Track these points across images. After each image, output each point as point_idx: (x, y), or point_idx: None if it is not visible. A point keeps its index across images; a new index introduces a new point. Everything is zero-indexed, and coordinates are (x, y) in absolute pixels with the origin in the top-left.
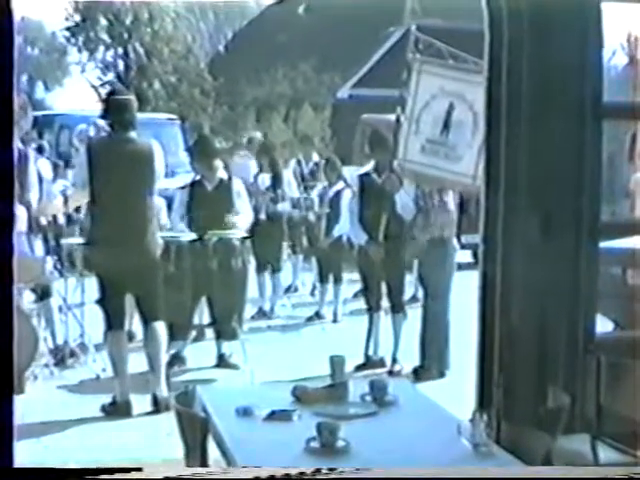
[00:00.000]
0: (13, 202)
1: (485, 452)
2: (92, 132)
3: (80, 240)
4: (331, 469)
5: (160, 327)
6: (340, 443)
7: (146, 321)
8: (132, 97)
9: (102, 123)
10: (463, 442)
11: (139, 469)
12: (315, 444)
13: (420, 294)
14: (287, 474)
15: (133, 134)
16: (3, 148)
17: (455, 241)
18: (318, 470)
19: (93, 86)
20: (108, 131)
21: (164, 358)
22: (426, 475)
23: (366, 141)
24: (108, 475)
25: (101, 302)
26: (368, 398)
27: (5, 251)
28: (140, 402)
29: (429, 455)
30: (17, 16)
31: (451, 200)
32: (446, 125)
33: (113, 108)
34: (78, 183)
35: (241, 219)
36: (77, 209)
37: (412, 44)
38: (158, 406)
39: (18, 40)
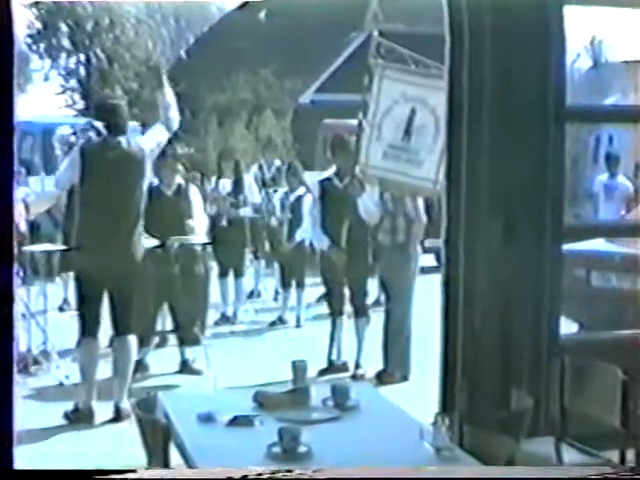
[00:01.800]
0: (13, 202)
1: (448, 456)
2: (72, 137)
3: (45, 247)
4: (289, 470)
5: (133, 339)
6: (302, 448)
7: (119, 331)
8: (122, 102)
9: (95, 126)
10: (426, 446)
11: (133, 471)
12: (277, 449)
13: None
14: (245, 475)
15: (123, 138)
16: (3, 148)
17: (418, 245)
18: (275, 471)
19: (57, 93)
20: (101, 135)
21: (132, 368)
22: (383, 475)
23: (327, 146)
24: (115, 475)
25: (79, 308)
26: (330, 403)
27: (5, 251)
28: (102, 410)
29: (392, 459)
30: None
31: (415, 204)
32: (407, 130)
33: (104, 112)
34: (59, 187)
35: (198, 225)
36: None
37: (374, 49)
38: (120, 414)
39: None
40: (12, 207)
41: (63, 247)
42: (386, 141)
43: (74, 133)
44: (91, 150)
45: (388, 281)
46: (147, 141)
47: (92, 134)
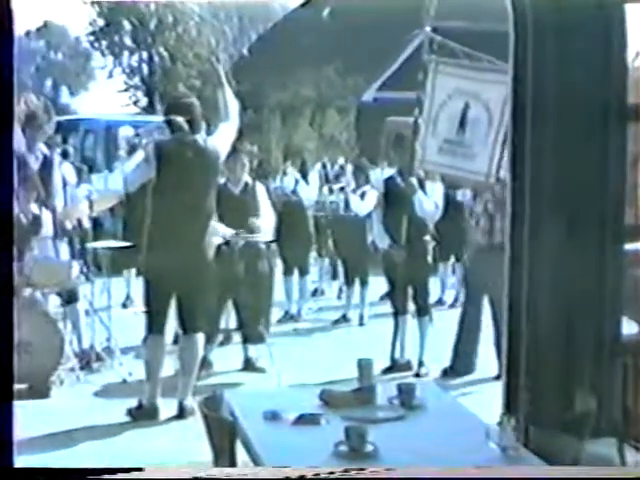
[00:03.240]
0: (12, 202)
1: (513, 456)
2: (137, 138)
3: (108, 244)
4: (361, 469)
5: (200, 337)
6: (368, 447)
7: (186, 328)
8: (195, 99)
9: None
10: (491, 446)
11: (140, 469)
12: (343, 448)
13: (446, 298)
14: (317, 474)
15: (199, 136)
16: (3, 149)
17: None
18: (347, 470)
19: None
20: (173, 134)
21: (197, 366)
22: (452, 475)
23: (390, 144)
24: (110, 475)
25: (146, 305)
26: (396, 402)
27: (5, 252)
28: (166, 407)
29: (457, 459)
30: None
31: (484, 203)
32: (462, 124)
33: (179, 110)
34: (131, 185)
35: (265, 223)
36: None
37: (427, 45)
38: (184, 411)
39: (41, 45)
40: (11, 198)
41: (127, 244)
42: (441, 136)
43: (137, 135)
44: (168, 148)
45: (474, 282)
46: (220, 140)
47: (166, 132)
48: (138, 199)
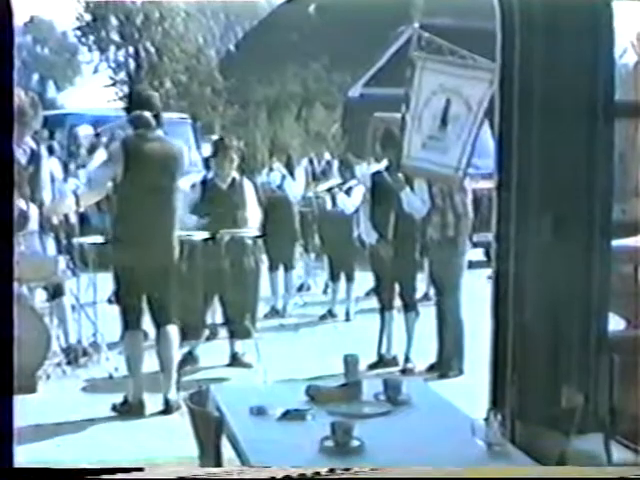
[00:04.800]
0: (13, 202)
1: (500, 452)
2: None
3: (94, 239)
4: (346, 469)
5: (173, 329)
6: (354, 442)
7: (159, 322)
8: (156, 94)
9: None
10: (477, 442)
11: (140, 469)
12: (329, 443)
13: (432, 292)
14: (303, 474)
15: (160, 132)
16: (3, 148)
17: (467, 240)
18: (333, 470)
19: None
20: (137, 130)
21: (176, 359)
22: (440, 475)
23: (378, 140)
24: (109, 475)
25: (119, 301)
26: (382, 397)
27: (5, 251)
28: (150, 402)
29: (444, 455)
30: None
31: (463, 200)
32: (444, 121)
33: (141, 105)
34: (98, 181)
35: (251, 218)
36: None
37: (415, 42)
38: (169, 406)
39: (27, 40)
40: (11, 198)
41: (104, 240)
42: (425, 133)
43: (97, 135)
44: (135, 144)
45: (438, 276)
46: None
47: (128, 128)
48: (113, 195)
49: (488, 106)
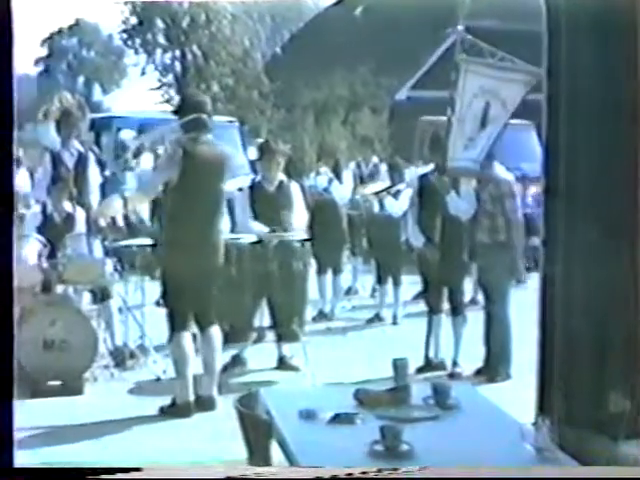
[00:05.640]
0: (13, 202)
1: (549, 457)
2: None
3: (141, 241)
4: (394, 469)
5: (216, 331)
6: (404, 447)
7: (203, 324)
8: (207, 98)
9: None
10: (526, 447)
11: (138, 469)
12: (379, 447)
13: (479, 297)
14: (350, 474)
15: (210, 136)
16: (3, 148)
17: (517, 244)
18: (381, 470)
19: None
20: (191, 133)
21: (219, 361)
22: (488, 475)
23: (425, 143)
24: (108, 475)
25: (167, 303)
26: (431, 401)
27: (5, 253)
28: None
29: (492, 459)
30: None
31: (513, 203)
32: (483, 123)
33: (195, 108)
34: (153, 184)
35: (299, 221)
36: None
37: (459, 45)
38: (210, 407)
39: (73, 42)
40: (12, 198)
41: (153, 242)
42: (467, 135)
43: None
44: (190, 147)
45: (487, 280)
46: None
47: (178, 132)
48: (164, 198)
49: (535, 110)
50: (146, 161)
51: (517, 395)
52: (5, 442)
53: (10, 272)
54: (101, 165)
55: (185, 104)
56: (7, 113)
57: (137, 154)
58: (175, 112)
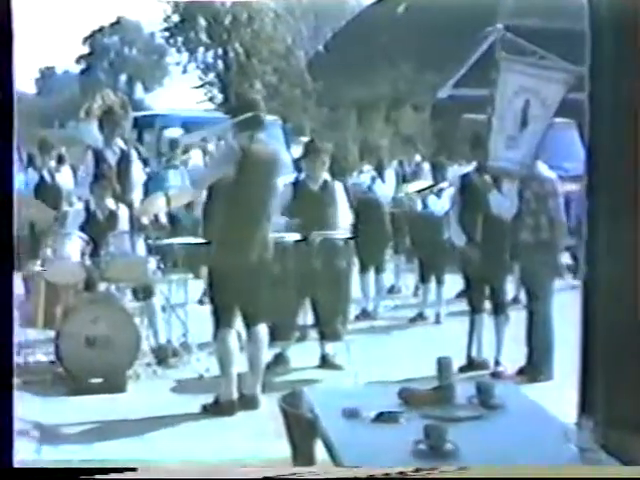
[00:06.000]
0: (12, 200)
1: (592, 457)
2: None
3: (186, 239)
4: (432, 468)
5: (263, 329)
6: (448, 446)
7: (250, 322)
8: (259, 96)
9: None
10: (570, 447)
11: (134, 469)
12: (423, 446)
13: (522, 296)
14: (387, 474)
15: (263, 135)
16: (3, 147)
17: (560, 243)
18: (418, 470)
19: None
20: (246, 131)
21: (264, 359)
22: (526, 475)
23: (467, 141)
24: (102, 475)
25: (213, 300)
26: (475, 401)
27: (3, 250)
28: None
29: (536, 459)
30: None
31: (556, 202)
32: (523, 121)
33: (249, 107)
34: (205, 181)
35: (342, 220)
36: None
37: (500, 43)
38: (254, 405)
39: (115, 41)
40: (11, 198)
41: (202, 240)
42: (507, 133)
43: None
44: (247, 145)
45: (529, 279)
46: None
47: (232, 130)
48: (214, 196)
49: (575, 109)
50: (196, 158)
51: (559, 395)
52: (5, 442)
53: (10, 271)
54: (144, 163)
55: (239, 102)
56: (7, 112)
57: (185, 151)
58: (227, 110)
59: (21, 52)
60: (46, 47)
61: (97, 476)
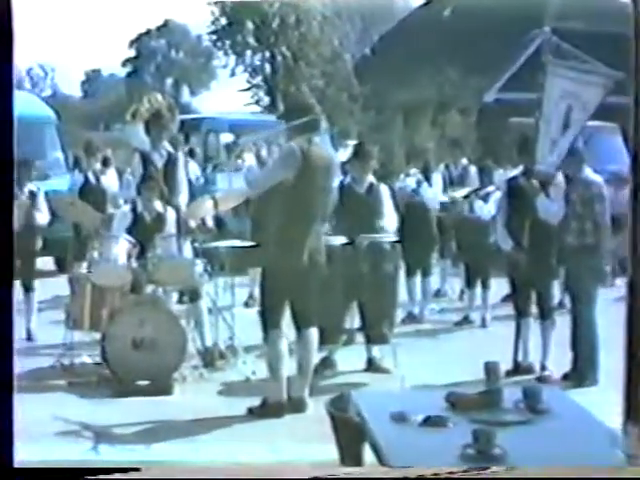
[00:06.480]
0: (12, 202)
1: (638, 463)
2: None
3: (234, 242)
4: (482, 468)
5: (314, 332)
6: (496, 450)
7: (300, 325)
8: (313, 100)
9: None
10: (617, 452)
11: (137, 469)
12: (471, 451)
13: (567, 301)
14: (436, 474)
15: (319, 138)
16: (3, 147)
17: (605, 248)
18: (467, 470)
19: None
20: (303, 135)
21: (313, 362)
22: (574, 475)
23: (514, 145)
24: (106, 475)
25: (264, 302)
26: (522, 405)
27: (4, 250)
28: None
29: (583, 464)
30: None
31: (602, 207)
32: (565, 125)
33: (303, 111)
34: (263, 184)
35: (389, 223)
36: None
37: (546, 46)
38: (301, 408)
39: (162, 44)
40: (11, 199)
41: (249, 243)
42: (551, 137)
43: (235, 142)
44: (306, 148)
45: (575, 284)
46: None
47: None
48: (269, 199)
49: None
50: (249, 161)
51: (604, 400)
52: (5, 442)
53: (10, 271)
54: (194, 166)
55: (295, 106)
56: (7, 113)
57: (238, 155)
58: (281, 114)
59: (67, 55)
60: (92, 50)
61: (101, 476)
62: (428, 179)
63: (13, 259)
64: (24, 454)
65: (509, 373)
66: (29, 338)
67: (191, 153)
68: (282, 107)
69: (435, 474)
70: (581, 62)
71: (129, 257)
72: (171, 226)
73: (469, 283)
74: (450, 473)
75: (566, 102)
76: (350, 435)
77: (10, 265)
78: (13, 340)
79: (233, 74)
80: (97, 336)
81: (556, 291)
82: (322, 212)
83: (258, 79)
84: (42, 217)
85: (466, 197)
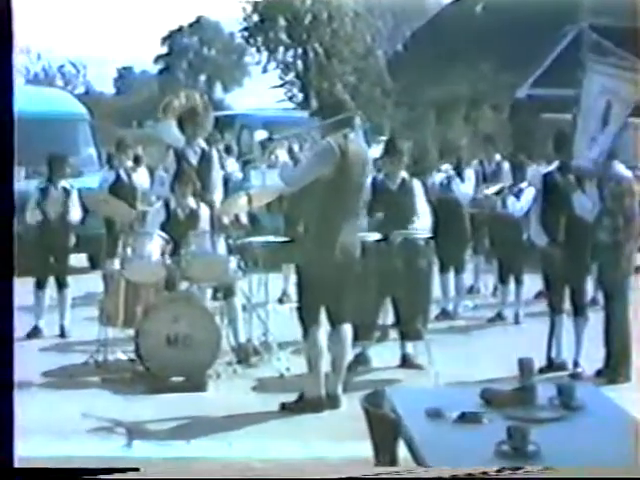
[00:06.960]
0: (13, 200)
1: None
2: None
3: (268, 238)
4: (516, 468)
5: (348, 328)
6: (531, 447)
7: (335, 321)
8: (347, 96)
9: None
10: None
11: (136, 469)
12: (506, 447)
13: (600, 297)
14: (470, 474)
15: (354, 134)
16: (3, 146)
17: (636, 244)
18: (501, 470)
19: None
20: (340, 131)
21: (348, 358)
22: (609, 475)
23: (550, 141)
24: (106, 475)
25: (302, 298)
26: (556, 402)
27: (5, 249)
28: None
29: (618, 462)
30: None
31: (632, 202)
32: (605, 122)
33: (339, 108)
34: (302, 180)
35: (422, 219)
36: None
37: (585, 42)
38: (334, 404)
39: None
40: (12, 198)
41: (286, 239)
42: (590, 133)
43: (270, 139)
44: (344, 145)
45: (607, 280)
46: None
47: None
48: (303, 195)
49: None
50: (282, 158)
51: (637, 397)
52: (5, 442)
53: (10, 271)
54: (229, 163)
55: (330, 102)
56: (7, 113)
57: (271, 151)
58: (316, 110)
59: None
60: (125, 47)
61: (100, 476)
62: (461, 175)
63: (13, 259)
64: (54, 449)
65: (542, 370)
66: (62, 335)
67: (227, 150)
68: (315, 104)
69: (469, 474)
70: (620, 58)
71: (163, 254)
72: (205, 223)
73: (502, 279)
74: (484, 473)
75: (605, 98)
76: (385, 431)
77: (10, 265)
78: (14, 340)
79: (265, 71)
80: (131, 332)
81: (589, 287)
82: (357, 208)
83: (291, 76)
84: (75, 214)
85: (498, 193)
